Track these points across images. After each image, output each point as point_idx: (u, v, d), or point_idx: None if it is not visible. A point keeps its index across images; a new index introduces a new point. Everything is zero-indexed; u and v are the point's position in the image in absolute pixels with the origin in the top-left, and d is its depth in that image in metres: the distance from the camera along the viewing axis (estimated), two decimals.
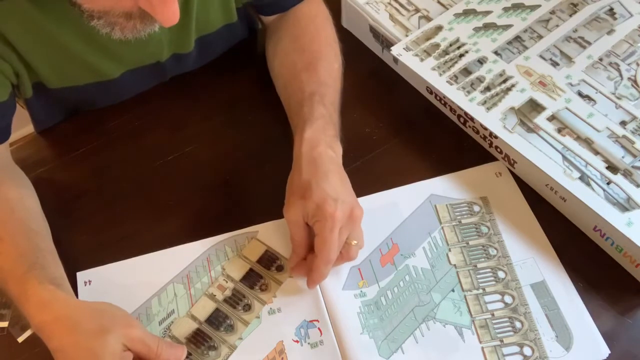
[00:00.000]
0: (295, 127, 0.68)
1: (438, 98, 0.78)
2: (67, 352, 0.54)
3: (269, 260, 0.67)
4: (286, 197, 0.64)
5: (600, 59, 0.77)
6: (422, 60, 0.78)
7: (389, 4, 0.85)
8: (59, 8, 0.62)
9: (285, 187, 0.65)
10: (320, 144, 0.64)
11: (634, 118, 0.71)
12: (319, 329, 0.63)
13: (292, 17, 0.78)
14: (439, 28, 0.82)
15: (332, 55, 0.75)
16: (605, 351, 0.60)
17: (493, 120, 0.72)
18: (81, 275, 0.67)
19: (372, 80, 0.84)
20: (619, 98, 0.73)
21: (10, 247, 0.60)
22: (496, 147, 0.73)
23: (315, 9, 0.78)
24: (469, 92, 0.74)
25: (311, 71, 0.72)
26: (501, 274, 0.65)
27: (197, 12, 0.73)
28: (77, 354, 0.54)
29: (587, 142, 0.70)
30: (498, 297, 0.64)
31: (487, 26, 0.81)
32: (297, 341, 0.62)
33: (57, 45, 0.66)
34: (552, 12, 0.83)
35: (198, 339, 0.62)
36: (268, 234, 0.69)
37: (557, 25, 0.81)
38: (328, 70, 0.73)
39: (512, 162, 0.72)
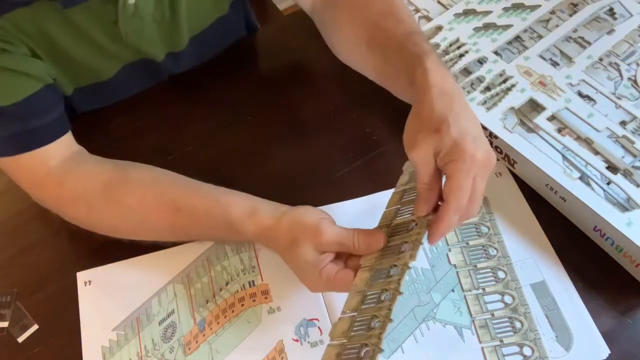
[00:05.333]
0: (407, 67, 0.59)
1: None
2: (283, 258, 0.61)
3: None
4: (409, 135, 0.56)
5: (600, 59, 0.77)
6: None
7: None
8: (49, 8, 0.62)
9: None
10: (447, 75, 0.57)
11: (634, 118, 0.71)
12: (318, 327, 0.62)
13: None
14: (439, 28, 0.82)
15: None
16: (605, 351, 0.60)
17: (493, 120, 0.72)
18: (81, 275, 0.67)
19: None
20: (619, 98, 0.73)
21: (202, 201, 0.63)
22: (496, 147, 0.73)
23: None
24: (469, 92, 0.74)
25: (394, 16, 0.66)
26: (501, 274, 0.65)
27: (188, 8, 0.73)
28: (286, 262, 0.61)
29: (587, 142, 0.70)
30: (498, 297, 0.64)
31: (487, 26, 0.81)
32: (297, 340, 0.62)
33: (59, 49, 0.66)
34: (552, 12, 0.83)
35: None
36: None
37: (557, 25, 0.81)
38: (407, 13, 0.67)
39: (512, 162, 0.72)
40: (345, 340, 0.52)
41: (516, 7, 0.83)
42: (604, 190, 0.66)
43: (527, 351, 0.61)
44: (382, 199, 0.71)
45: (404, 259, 0.54)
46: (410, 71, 0.58)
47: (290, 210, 0.61)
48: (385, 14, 0.66)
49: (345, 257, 0.59)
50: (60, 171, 0.65)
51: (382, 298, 0.52)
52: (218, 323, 0.64)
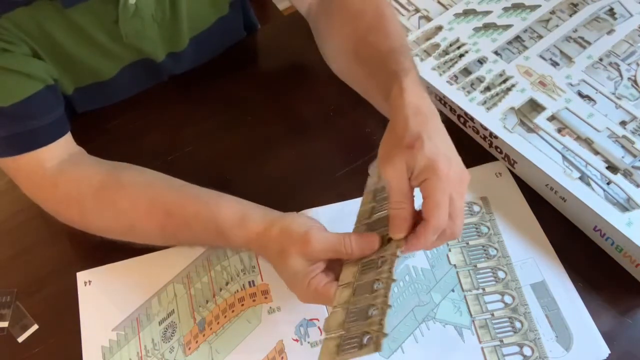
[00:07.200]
0: (385, 83, 0.60)
1: (438, 98, 0.78)
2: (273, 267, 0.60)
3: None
4: (384, 150, 0.56)
5: (600, 59, 0.77)
6: (422, 60, 0.78)
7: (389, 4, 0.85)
8: (50, 8, 0.62)
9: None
10: (423, 96, 0.57)
11: (634, 118, 0.71)
12: (318, 327, 0.62)
13: None
14: (439, 28, 0.82)
15: (390, 10, 0.69)
16: (605, 351, 0.60)
17: (493, 120, 0.72)
18: (81, 275, 0.67)
19: None
20: (619, 98, 0.73)
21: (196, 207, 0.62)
22: (496, 147, 0.73)
23: None
24: (469, 92, 0.74)
25: (381, 31, 0.66)
26: (501, 274, 0.65)
27: (188, 8, 0.73)
28: (277, 271, 0.60)
29: (587, 142, 0.70)
30: (498, 297, 0.64)
31: (487, 26, 0.81)
32: (297, 340, 0.62)
33: (59, 48, 0.66)
34: (552, 12, 0.83)
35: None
36: None
37: (557, 25, 0.81)
38: (396, 27, 0.67)
39: (512, 162, 0.72)
40: (343, 332, 0.52)
41: (516, 7, 0.83)
42: (604, 190, 0.66)
43: (527, 351, 0.61)
44: None
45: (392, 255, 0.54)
46: (388, 88, 0.59)
47: (279, 218, 0.60)
48: (373, 28, 0.66)
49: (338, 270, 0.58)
50: (56, 173, 0.65)
51: (375, 287, 0.52)
52: (218, 323, 0.64)
